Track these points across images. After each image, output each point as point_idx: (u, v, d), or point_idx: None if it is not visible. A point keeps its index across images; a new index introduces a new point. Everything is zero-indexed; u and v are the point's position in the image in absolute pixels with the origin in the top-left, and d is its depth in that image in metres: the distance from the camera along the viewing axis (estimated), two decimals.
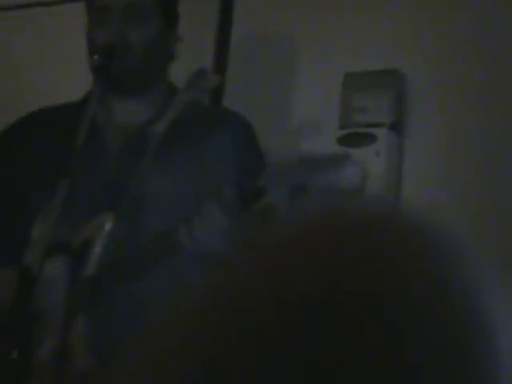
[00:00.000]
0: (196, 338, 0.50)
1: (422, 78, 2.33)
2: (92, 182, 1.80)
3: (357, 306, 0.48)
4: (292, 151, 2.42)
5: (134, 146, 1.84)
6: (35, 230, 1.60)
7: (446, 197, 2.26)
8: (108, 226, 1.62)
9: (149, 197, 1.78)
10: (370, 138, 2.28)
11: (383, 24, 2.40)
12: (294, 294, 0.49)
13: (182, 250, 1.54)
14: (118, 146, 1.87)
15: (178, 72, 1.99)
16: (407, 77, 2.33)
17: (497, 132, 2.25)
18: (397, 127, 2.30)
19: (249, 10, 2.60)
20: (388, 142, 2.28)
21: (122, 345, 0.52)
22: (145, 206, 1.78)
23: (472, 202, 2.24)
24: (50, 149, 1.86)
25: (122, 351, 0.52)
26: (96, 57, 1.77)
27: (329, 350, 0.47)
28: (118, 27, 1.84)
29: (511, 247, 2.15)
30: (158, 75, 1.93)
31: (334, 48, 2.42)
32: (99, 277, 1.58)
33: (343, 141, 2.31)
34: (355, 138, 2.30)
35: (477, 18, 2.29)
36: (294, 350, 0.47)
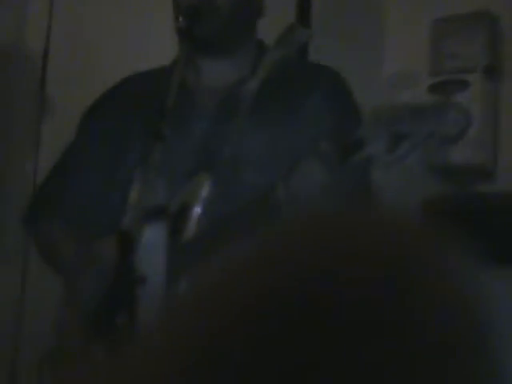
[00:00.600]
0: (190, 336, 0.51)
1: None
2: (186, 144, 1.79)
3: (346, 307, 0.48)
4: (384, 102, 2.38)
5: (227, 106, 1.82)
6: (132, 194, 1.61)
7: None
8: (205, 187, 1.61)
9: (245, 156, 1.77)
10: (463, 85, 2.21)
11: None
12: (282, 292, 0.49)
13: (281, 209, 1.51)
14: (210, 108, 1.85)
15: (262, 28, 1.96)
16: (500, 18, 2.25)
17: None
18: (491, 71, 2.23)
19: None
20: (482, 86, 2.21)
21: None
22: (241, 165, 1.76)
23: None
24: (142, 114, 1.86)
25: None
26: (181, 19, 1.75)
27: (315, 346, 0.47)
28: None
29: None
30: (246, 33, 1.90)
31: None
32: (199, 240, 1.58)
33: (435, 89, 2.25)
34: (448, 86, 2.23)
35: None
36: (281, 345, 0.48)
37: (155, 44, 2.68)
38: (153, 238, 1.54)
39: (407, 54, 2.37)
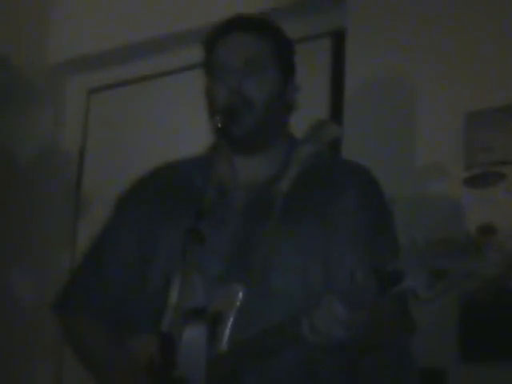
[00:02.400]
0: None
1: None
2: (220, 243, 1.78)
3: None
4: (417, 195, 2.38)
5: (259, 206, 1.82)
6: (172, 294, 1.60)
7: None
8: (239, 299, 1.62)
9: (276, 263, 1.76)
10: (498, 177, 2.21)
11: (503, 58, 2.33)
12: None
13: (303, 341, 1.52)
14: (244, 206, 1.85)
15: (294, 123, 1.98)
16: None
17: None
18: None
19: (361, 56, 2.59)
20: None
21: None
22: (272, 272, 1.76)
23: None
24: (175, 206, 1.86)
25: None
26: (217, 118, 1.77)
27: None
28: (237, 85, 1.83)
29: None
30: (279, 128, 1.92)
31: (453, 87, 2.37)
32: (232, 354, 1.59)
33: (470, 182, 2.25)
34: (482, 178, 2.23)
35: None
36: None
37: (187, 138, 2.72)
38: (193, 340, 1.54)
39: (440, 146, 2.38)
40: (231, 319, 1.60)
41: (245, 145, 1.86)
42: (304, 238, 1.78)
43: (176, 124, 2.93)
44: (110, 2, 3.09)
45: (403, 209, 2.06)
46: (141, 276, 1.85)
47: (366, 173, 1.89)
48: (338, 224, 1.79)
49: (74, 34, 3.14)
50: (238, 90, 1.82)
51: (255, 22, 1.92)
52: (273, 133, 1.89)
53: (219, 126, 1.76)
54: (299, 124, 1.92)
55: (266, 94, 1.84)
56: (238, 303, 1.61)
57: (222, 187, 1.83)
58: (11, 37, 3.04)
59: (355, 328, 1.50)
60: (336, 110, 2.64)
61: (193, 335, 1.54)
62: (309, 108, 2.19)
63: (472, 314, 2.22)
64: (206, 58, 1.92)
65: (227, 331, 1.60)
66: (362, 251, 1.75)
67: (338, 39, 2.69)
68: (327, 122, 1.96)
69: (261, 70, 1.86)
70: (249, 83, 1.83)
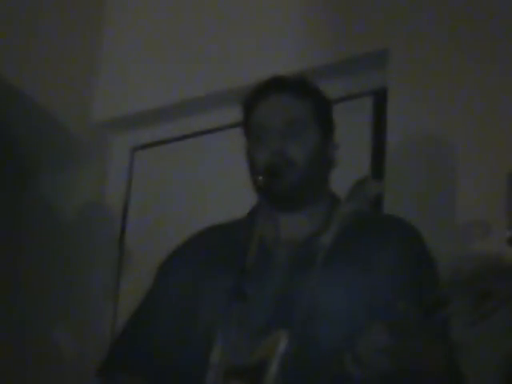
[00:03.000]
0: None
1: None
2: (262, 298, 1.79)
3: None
4: (460, 254, 2.37)
5: (302, 259, 1.83)
6: (214, 352, 1.61)
7: None
8: (282, 345, 1.61)
9: (320, 311, 1.76)
10: None
11: None
12: None
13: (347, 374, 1.53)
14: (286, 261, 1.86)
15: (335, 179, 1.99)
16: None
17: None
18: None
19: (402, 114, 2.60)
20: None
21: None
22: (316, 320, 1.76)
23: None
24: (219, 267, 1.87)
25: None
26: (260, 178, 1.80)
27: None
28: (278, 145, 1.86)
29: None
30: (320, 185, 1.94)
31: (495, 147, 2.37)
32: None
33: None
34: None
35: None
36: None
37: (230, 196, 2.74)
38: None
39: (481, 205, 2.37)
40: (275, 366, 1.60)
41: (287, 203, 1.88)
42: (347, 286, 1.79)
43: (218, 182, 2.95)
44: (154, 62, 3.15)
45: (445, 267, 2.05)
46: (184, 337, 1.87)
47: (407, 225, 1.91)
48: (381, 272, 1.79)
49: (119, 93, 3.20)
50: (280, 151, 1.85)
51: (294, 83, 1.95)
52: (314, 191, 1.91)
53: (262, 186, 1.78)
54: (342, 181, 1.93)
55: (308, 155, 1.87)
56: (281, 349, 1.61)
57: (264, 244, 1.85)
58: (58, 95, 3.10)
59: (399, 358, 1.49)
60: (377, 167, 2.64)
61: None
62: (351, 165, 2.21)
63: None
64: (246, 118, 1.95)
65: (270, 378, 1.59)
66: (406, 292, 1.74)
67: (380, 98, 2.71)
68: (368, 179, 1.97)
69: (302, 131, 1.88)
70: (290, 145, 1.86)
